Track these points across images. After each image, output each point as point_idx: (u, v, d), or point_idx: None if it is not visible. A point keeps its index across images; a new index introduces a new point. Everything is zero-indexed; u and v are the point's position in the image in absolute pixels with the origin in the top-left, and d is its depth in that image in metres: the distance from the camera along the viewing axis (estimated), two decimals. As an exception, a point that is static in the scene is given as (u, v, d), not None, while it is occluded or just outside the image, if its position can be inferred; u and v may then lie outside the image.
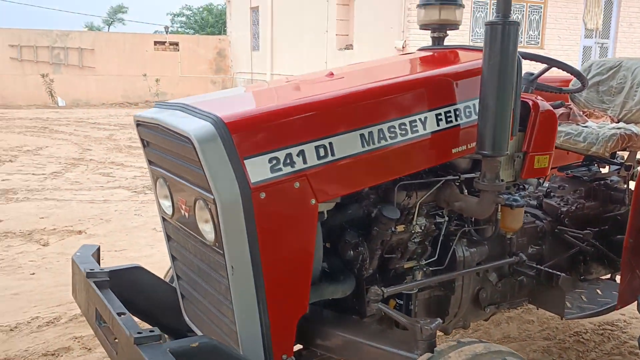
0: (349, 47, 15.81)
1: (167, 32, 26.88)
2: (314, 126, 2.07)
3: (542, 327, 4.22)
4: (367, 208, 2.39)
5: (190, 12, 47.36)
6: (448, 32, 2.99)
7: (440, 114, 2.37)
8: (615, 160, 3.66)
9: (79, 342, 3.83)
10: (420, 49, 3.06)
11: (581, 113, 3.56)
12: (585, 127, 3.41)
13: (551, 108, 2.78)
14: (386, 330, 2.22)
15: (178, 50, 24.00)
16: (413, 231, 2.49)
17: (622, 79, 3.59)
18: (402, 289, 2.45)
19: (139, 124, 2.35)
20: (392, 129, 2.23)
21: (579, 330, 4.15)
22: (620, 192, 3.46)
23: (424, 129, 2.32)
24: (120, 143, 12.94)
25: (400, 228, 2.43)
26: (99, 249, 2.79)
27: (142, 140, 2.41)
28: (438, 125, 2.36)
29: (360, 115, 2.17)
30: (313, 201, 2.07)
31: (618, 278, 3.67)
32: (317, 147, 2.06)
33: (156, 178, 2.40)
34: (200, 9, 46.50)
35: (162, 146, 2.23)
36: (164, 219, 2.51)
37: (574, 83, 3.84)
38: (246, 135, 1.94)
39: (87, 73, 22.47)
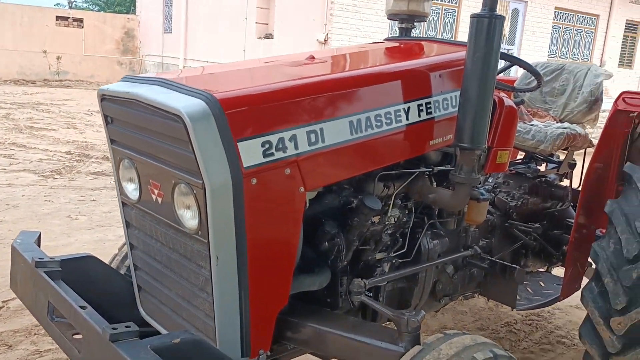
0: (268, 36, 15.59)
1: (70, 7, 25.19)
2: (307, 110, 1.97)
3: (475, 318, 4.37)
4: (345, 198, 2.32)
5: (97, -13, 44.68)
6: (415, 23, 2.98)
7: (421, 105, 2.35)
8: (554, 159, 3.85)
9: (-3, 338, 3.46)
10: (388, 39, 3.03)
11: (527, 112, 3.70)
12: (532, 125, 3.54)
13: (514, 105, 2.85)
14: (365, 323, 2.17)
15: (82, 27, 22.53)
16: (387, 222, 2.46)
17: (564, 81, 3.78)
18: (380, 280, 2.41)
19: (105, 98, 2.13)
20: (378, 118, 2.18)
21: (509, 321, 4.34)
22: (560, 189, 3.64)
23: (407, 119, 2.29)
24: (19, 123, 11.94)
25: (376, 219, 2.39)
26: (39, 236, 2.51)
27: (105, 116, 2.19)
28: (419, 116, 2.34)
29: (351, 102, 2.10)
30: (302, 189, 1.97)
31: (554, 271, 3.88)
32: (308, 133, 1.96)
33: (120, 159, 2.18)
34: (107, -14, 44.01)
35: (134, 124, 2.03)
36: (124, 204, 2.29)
37: (517, 83, 3.99)
38: (240, 115, 1.80)
39: (-23, 45, 20.58)
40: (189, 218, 1.88)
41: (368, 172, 2.27)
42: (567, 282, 3.29)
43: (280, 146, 1.88)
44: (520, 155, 4.13)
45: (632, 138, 3.34)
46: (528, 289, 3.41)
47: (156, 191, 2.02)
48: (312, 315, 2.24)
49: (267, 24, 15.84)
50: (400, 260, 2.62)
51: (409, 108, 2.29)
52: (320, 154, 2.00)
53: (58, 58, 21.59)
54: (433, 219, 2.72)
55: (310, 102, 1.98)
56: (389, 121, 2.21)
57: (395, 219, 2.50)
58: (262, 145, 1.84)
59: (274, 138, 1.86)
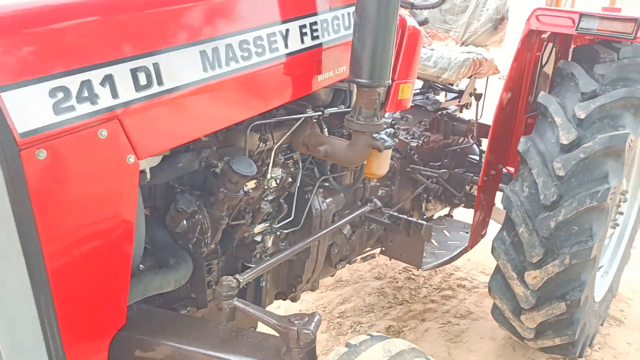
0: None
1: None
2: (127, 35, 1.26)
3: (372, 266, 3.99)
4: (207, 160, 1.67)
5: None
6: None
7: (304, 26, 1.71)
8: (453, 88, 3.40)
9: None
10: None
11: (426, 34, 3.17)
12: (433, 50, 3.03)
13: (417, 25, 2.30)
14: (241, 332, 1.60)
15: None
16: (267, 187, 1.85)
17: (466, -4, 3.27)
18: (261, 270, 1.82)
19: None
20: (244, 46, 1.51)
21: (407, 266, 4.00)
22: (463, 123, 3.21)
23: (286, 46, 1.64)
24: None
25: (251, 184, 1.77)
26: None
27: None
28: (302, 42, 1.70)
29: (202, 22, 1.41)
30: (131, 158, 1.29)
31: (455, 213, 3.53)
32: (134, 71, 1.26)
33: None
34: None
35: None
36: None
37: None
38: (2, 47, 1.07)
39: None
40: None
41: (234, 123, 1.62)
42: (474, 230, 2.92)
43: (87, 94, 1.18)
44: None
45: (541, 63, 2.95)
46: (433, 241, 3.01)
47: None
48: (169, 326, 1.62)
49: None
50: (286, 231, 2.04)
51: (287, 30, 1.64)
52: (156, 104, 1.32)
53: None
54: (326, 174, 2.16)
55: (132, 22, 1.27)
56: (260, 50, 1.56)
57: (278, 181, 1.90)
58: (52, 95, 1.13)
59: (71, 82, 1.15)
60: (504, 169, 3.04)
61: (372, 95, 1.73)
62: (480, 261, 4.06)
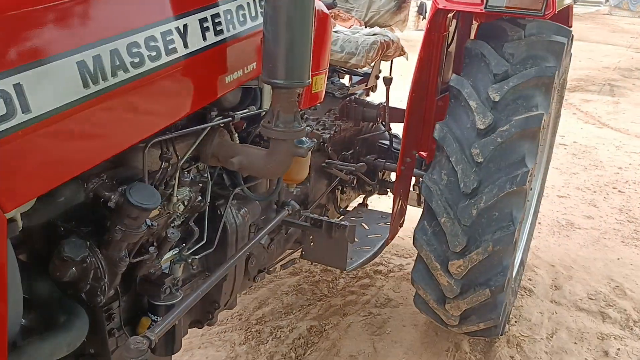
0: None
1: None
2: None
3: (285, 261, 3.78)
4: (96, 190, 1.36)
5: None
6: None
7: (205, 20, 1.43)
8: (358, 71, 3.23)
9: None
10: None
11: (329, 15, 2.95)
12: (337, 33, 2.83)
13: (326, 9, 2.08)
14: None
15: None
16: (173, 211, 1.57)
17: (367, -27, 3.09)
18: (176, 317, 1.53)
19: None
20: (134, 50, 1.21)
21: (322, 257, 3.84)
22: (373, 108, 3.05)
23: (185, 45, 1.36)
24: None
25: (154, 212, 1.48)
26: None
27: None
28: (205, 38, 1.43)
29: (76, 25, 1.10)
30: (-6, 214, 0.98)
31: (370, 201, 3.41)
32: (-14, 98, 0.94)
33: None
34: None
35: None
36: None
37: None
38: None
39: None
40: None
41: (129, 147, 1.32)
42: (395, 218, 2.80)
43: None
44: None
45: (448, 42, 2.84)
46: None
47: None
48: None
49: None
50: (197, 257, 1.77)
51: (185, 26, 1.36)
52: (23, 138, 1.00)
53: None
54: (239, 183, 1.91)
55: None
56: (154, 53, 1.27)
57: (186, 202, 1.62)
58: None
59: None
60: (416, 154, 2.93)
61: (291, 97, 1.50)
62: (392, 243, 3.99)
